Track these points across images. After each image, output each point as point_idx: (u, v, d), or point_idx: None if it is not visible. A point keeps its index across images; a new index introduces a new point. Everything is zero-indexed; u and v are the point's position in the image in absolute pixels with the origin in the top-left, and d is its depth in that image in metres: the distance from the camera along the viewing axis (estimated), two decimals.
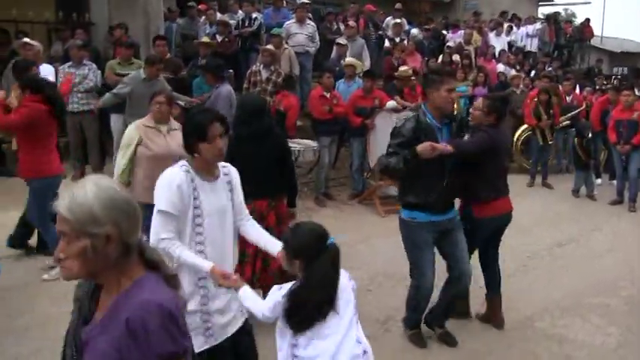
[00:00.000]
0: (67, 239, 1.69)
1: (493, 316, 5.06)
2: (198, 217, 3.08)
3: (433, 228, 4.45)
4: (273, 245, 3.22)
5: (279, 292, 2.73)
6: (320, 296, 2.65)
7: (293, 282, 2.75)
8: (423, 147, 4.06)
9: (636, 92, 9.81)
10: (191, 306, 3.04)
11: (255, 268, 4.75)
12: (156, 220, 3.02)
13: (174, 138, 5.13)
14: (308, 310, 2.65)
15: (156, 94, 5.38)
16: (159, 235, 2.98)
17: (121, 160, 5.18)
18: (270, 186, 4.83)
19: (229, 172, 3.30)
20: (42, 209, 5.46)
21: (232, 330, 3.23)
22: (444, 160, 4.23)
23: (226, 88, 7.51)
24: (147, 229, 3.27)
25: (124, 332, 1.62)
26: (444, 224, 4.48)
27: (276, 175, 4.92)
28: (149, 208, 3.26)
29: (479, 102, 5.07)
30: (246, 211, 3.41)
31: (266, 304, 2.78)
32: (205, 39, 9.73)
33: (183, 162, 3.13)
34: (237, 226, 3.33)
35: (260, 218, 4.51)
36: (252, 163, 4.54)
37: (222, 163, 3.28)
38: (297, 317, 2.66)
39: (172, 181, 3.02)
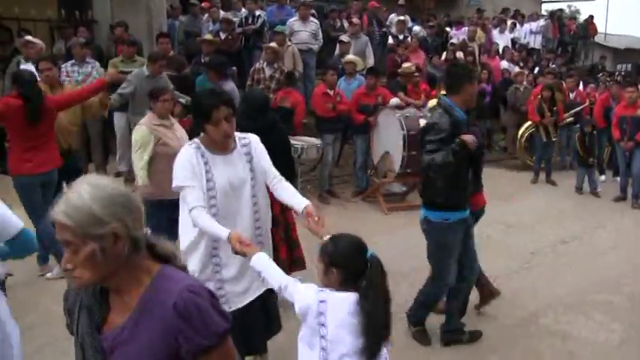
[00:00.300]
0: (73, 248, 1.62)
1: (487, 292, 5.11)
2: (211, 189, 3.23)
3: (464, 226, 4.40)
4: (299, 204, 3.43)
5: (314, 291, 2.61)
6: (384, 309, 2.51)
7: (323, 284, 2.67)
8: (468, 137, 4.03)
9: None
10: (204, 275, 3.30)
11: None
12: (182, 196, 3.23)
13: (178, 130, 5.44)
14: (378, 327, 2.47)
15: (160, 92, 5.41)
16: (189, 205, 3.15)
17: (139, 162, 5.21)
18: None
19: (249, 142, 3.46)
20: (28, 206, 5.44)
21: (249, 298, 3.46)
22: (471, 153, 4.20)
23: (229, 86, 7.53)
24: (174, 223, 3.48)
25: (173, 318, 1.62)
26: (469, 220, 4.48)
27: (280, 169, 4.95)
28: (170, 203, 3.98)
29: None
30: (276, 173, 3.56)
31: (297, 288, 2.70)
32: (208, 36, 9.73)
33: (195, 139, 3.34)
34: (270, 189, 3.56)
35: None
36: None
37: (242, 134, 3.45)
38: (372, 336, 2.45)
39: (184, 158, 3.23)
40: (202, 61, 8.85)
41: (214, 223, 3.11)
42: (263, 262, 2.85)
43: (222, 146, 3.29)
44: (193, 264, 3.29)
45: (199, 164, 3.21)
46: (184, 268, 1.84)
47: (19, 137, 5.36)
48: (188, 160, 3.20)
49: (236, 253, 2.96)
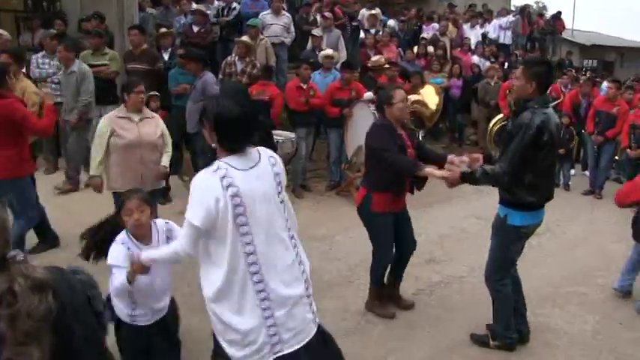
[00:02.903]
0: None
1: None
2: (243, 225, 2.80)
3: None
4: None
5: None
6: None
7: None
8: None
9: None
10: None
11: None
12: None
13: (145, 126, 5.38)
14: None
15: (133, 84, 5.39)
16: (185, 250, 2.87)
17: (95, 153, 5.29)
18: None
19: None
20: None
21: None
22: None
23: (211, 75, 7.39)
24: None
25: None
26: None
27: None
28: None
29: (404, 95, 4.82)
30: None
31: (180, 239, 2.86)
32: (163, 30, 9.57)
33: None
34: None
35: None
36: None
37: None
38: None
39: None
40: (178, 53, 8.69)
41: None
42: (150, 252, 3.10)
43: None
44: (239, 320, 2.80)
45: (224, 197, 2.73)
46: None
47: None
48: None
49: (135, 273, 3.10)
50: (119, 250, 3.22)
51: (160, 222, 3.55)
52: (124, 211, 3.27)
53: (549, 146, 3.98)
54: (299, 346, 2.86)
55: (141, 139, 5.28)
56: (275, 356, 2.80)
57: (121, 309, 3.40)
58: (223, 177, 2.72)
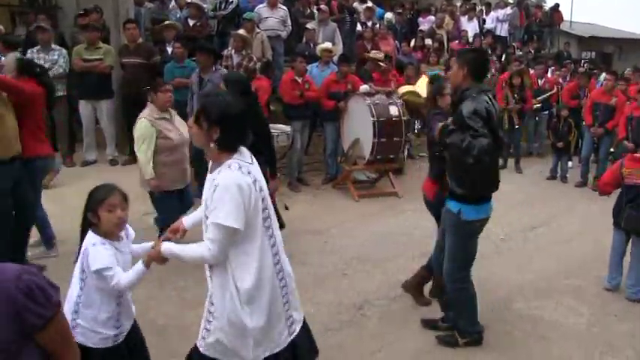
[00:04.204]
0: None
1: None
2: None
3: None
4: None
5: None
6: None
7: None
8: None
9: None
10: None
11: None
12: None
13: (179, 124, 5.52)
14: None
15: (160, 83, 5.52)
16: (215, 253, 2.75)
17: (144, 156, 5.31)
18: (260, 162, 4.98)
19: None
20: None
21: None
22: None
23: (222, 71, 7.37)
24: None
25: (18, 299, 1.73)
26: None
27: (262, 154, 5.06)
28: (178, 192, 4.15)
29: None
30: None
31: (209, 244, 2.73)
32: (167, 22, 9.54)
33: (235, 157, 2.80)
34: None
35: None
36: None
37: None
38: None
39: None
40: (175, 46, 8.64)
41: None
42: (173, 246, 2.94)
43: None
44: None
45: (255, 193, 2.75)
46: None
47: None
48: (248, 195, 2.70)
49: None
50: (108, 252, 2.92)
51: None
52: (104, 206, 2.91)
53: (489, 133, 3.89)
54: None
55: (184, 137, 5.42)
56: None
57: (105, 333, 2.99)
58: (247, 173, 2.71)
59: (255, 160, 2.86)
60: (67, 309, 2.90)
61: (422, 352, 4.45)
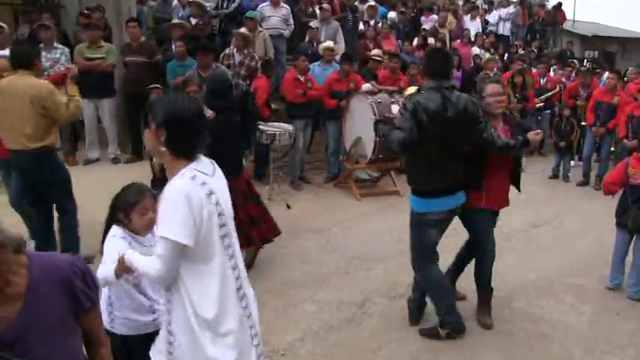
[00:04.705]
0: None
1: None
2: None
3: None
4: None
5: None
6: None
7: None
8: (534, 138, 4.49)
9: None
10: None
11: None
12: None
13: None
14: None
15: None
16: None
17: None
18: (241, 162, 5.03)
19: None
20: None
21: None
22: None
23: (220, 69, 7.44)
24: None
25: (73, 281, 1.93)
26: None
27: (239, 145, 5.17)
28: None
29: (499, 88, 4.65)
30: None
31: (155, 260, 2.46)
32: (176, 21, 9.56)
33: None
34: None
35: (244, 197, 4.60)
36: (232, 139, 4.86)
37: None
38: None
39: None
40: (177, 45, 8.67)
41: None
42: (133, 256, 2.70)
43: None
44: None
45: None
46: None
47: None
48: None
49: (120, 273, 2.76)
50: (117, 245, 2.89)
51: None
52: (136, 210, 2.92)
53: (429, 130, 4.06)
54: None
55: None
56: None
57: (144, 320, 3.03)
58: (202, 184, 2.44)
59: (218, 172, 2.61)
60: (102, 302, 2.93)
61: (423, 351, 4.45)
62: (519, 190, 4.82)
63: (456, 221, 4.64)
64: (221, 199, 2.51)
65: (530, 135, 4.45)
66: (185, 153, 2.48)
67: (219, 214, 2.49)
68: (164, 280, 2.48)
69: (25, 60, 5.12)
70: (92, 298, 2.00)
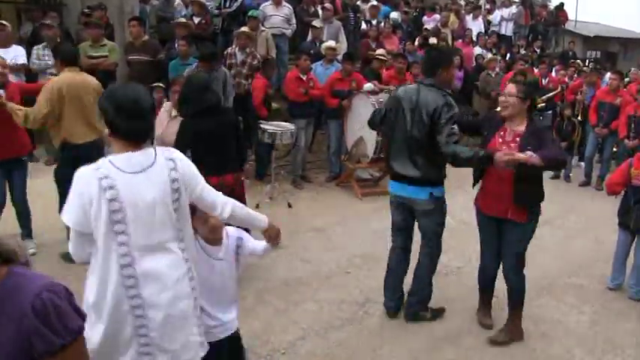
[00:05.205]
0: None
1: None
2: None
3: None
4: (260, 222, 3.08)
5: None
6: None
7: None
8: (499, 156, 3.95)
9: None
10: None
11: None
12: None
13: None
14: None
15: (175, 82, 5.65)
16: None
17: None
18: (232, 160, 5.01)
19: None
20: None
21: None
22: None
23: (222, 72, 7.54)
24: None
25: (31, 318, 1.59)
26: None
27: (234, 149, 5.13)
28: None
29: (510, 87, 4.38)
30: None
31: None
32: (181, 20, 9.58)
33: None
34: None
35: (231, 192, 4.61)
36: (213, 139, 4.83)
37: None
38: None
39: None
40: (177, 46, 8.68)
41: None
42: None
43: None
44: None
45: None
46: (27, 264, 1.76)
47: None
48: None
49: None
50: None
51: (230, 229, 3.21)
52: (197, 218, 2.91)
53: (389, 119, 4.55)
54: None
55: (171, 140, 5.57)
56: None
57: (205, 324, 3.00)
58: (103, 177, 2.43)
59: (155, 169, 2.56)
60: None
61: (423, 350, 4.46)
62: (524, 206, 4.33)
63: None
64: (123, 196, 2.46)
65: (497, 154, 3.99)
66: (123, 137, 2.53)
67: (114, 211, 2.44)
68: (79, 260, 2.58)
69: (73, 58, 5.61)
70: (53, 341, 1.63)
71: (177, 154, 2.70)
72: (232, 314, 3.19)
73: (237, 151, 5.20)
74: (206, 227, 2.97)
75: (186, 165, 2.69)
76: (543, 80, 11.67)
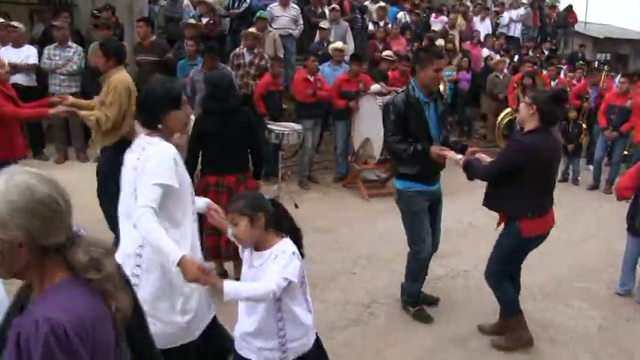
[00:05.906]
0: None
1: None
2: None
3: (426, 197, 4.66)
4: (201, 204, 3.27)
5: (277, 261, 2.73)
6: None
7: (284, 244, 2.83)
8: (434, 151, 4.36)
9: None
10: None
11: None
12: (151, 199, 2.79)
13: None
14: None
15: None
16: (147, 204, 2.76)
17: None
18: (237, 161, 5.02)
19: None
20: None
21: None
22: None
23: (226, 70, 7.57)
24: None
25: (13, 345, 1.48)
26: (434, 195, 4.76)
27: (243, 151, 5.11)
28: None
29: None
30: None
31: (273, 279, 2.62)
32: (191, 21, 9.60)
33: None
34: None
35: (229, 192, 4.59)
36: (220, 139, 4.82)
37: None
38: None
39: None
40: (185, 46, 8.70)
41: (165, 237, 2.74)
42: (238, 285, 2.75)
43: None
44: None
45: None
46: (99, 281, 1.64)
47: None
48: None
49: (193, 281, 2.68)
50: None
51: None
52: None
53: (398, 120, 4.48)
54: None
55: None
56: None
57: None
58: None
59: (145, 152, 2.91)
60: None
61: (428, 351, 4.45)
62: (495, 210, 4.48)
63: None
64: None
65: (432, 148, 4.40)
66: (146, 124, 2.99)
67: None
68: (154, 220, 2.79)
69: (124, 56, 5.77)
70: None
71: (155, 146, 2.91)
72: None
73: (252, 153, 5.18)
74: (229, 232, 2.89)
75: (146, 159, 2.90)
76: (552, 82, 11.63)
